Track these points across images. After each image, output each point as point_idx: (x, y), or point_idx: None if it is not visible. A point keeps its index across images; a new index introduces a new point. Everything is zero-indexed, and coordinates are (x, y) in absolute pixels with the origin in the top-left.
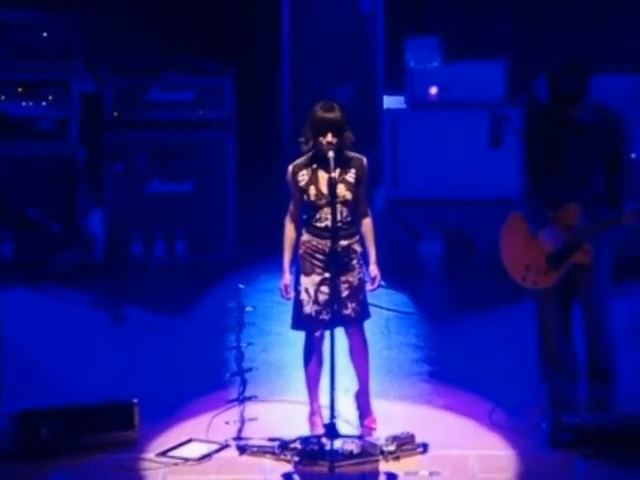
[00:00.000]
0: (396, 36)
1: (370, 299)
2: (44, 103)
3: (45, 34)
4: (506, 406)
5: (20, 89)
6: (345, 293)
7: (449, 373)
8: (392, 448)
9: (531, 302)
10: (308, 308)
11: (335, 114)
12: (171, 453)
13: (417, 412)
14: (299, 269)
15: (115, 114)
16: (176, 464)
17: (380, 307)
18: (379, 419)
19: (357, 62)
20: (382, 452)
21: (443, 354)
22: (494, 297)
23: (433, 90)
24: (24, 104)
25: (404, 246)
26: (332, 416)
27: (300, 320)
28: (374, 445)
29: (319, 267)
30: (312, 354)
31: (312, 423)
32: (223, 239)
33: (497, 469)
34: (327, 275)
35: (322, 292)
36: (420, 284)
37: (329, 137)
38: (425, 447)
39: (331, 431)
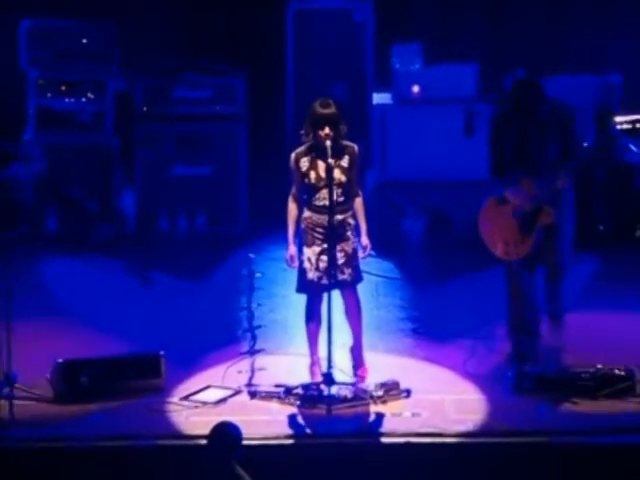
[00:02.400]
0: (384, 42)
1: (362, 266)
2: (84, 99)
3: (85, 41)
4: (477, 358)
5: (63, 87)
6: (342, 260)
7: (429, 329)
8: (380, 393)
9: (498, 269)
10: (310, 274)
11: (331, 110)
12: (192, 397)
13: (401, 363)
14: (302, 241)
15: (144, 109)
16: (196, 407)
17: (370, 273)
18: (369, 368)
19: (351, 64)
20: (372, 397)
21: (424, 313)
22: (467, 265)
23: (415, 88)
24: (67, 100)
25: (391, 221)
26: (329, 366)
27: (304, 284)
28: (365, 391)
29: (319, 239)
30: (312, 314)
31: (312, 372)
32: (236, 215)
33: (469, 411)
34: (326, 246)
35: (322, 260)
36: (404, 254)
37: (326, 130)
38: (408, 392)
39: (328, 379)
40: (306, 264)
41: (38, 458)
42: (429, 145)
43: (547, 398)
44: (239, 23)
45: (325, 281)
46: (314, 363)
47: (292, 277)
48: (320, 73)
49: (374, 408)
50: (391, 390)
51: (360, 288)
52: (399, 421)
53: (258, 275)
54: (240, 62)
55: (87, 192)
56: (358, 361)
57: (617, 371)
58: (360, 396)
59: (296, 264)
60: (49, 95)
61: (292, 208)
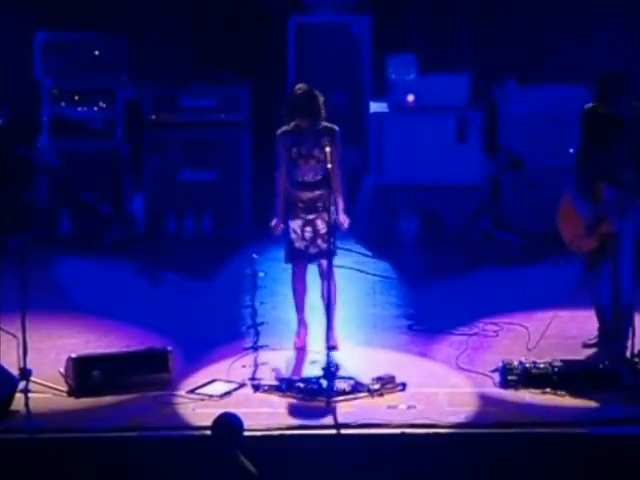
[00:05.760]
0: (380, 54)
1: (359, 266)
2: (95, 108)
3: (97, 52)
4: (469, 353)
5: (76, 97)
6: (324, 230)
7: (423, 326)
8: (377, 387)
9: (485, 268)
10: (297, 244)
11: (305, 98)
12: (198, 391)
13: (397, 358)
14: (288, 215)
15: (153, 117)
16: (202, 399)
17: (367, 273)
18: (366, 364)
19: (349, 75)
20: (369, 390)
21: (418, 311)
22: (459, 263)
23: (410, 97)
24: (79, 109)
25: (387, 223)
26: (328, 362)
27: (292, 254)
28: (362, 384)
29: (301, 212)
30: (298, 280)
31: (297, 334)
32: (240, 217)
33: (461, 403)
34: (309, 217)
35: (307, 231)
36: (399, 254)
37: (302, 118)
38: (404, 386)
39: (327, 373)
40: (292, 235)
41: (52, 449)
42: (423, 151)
43: (533, 391)
44: (243, 36)
45: (312, 250)
46: (299, 323)
47: None
48: (320, 83)
49: (371, 401)
50: (387, 384)
51: (358, 287)
52: (395, 413)
53: (261, 274)
54: (244, 72)
55: (99, 196)
56: (330, 332)
57: (600, 365)
58: (357, 389)
59: (278, 232)
60: (63, 104)
61: (282, 185)
